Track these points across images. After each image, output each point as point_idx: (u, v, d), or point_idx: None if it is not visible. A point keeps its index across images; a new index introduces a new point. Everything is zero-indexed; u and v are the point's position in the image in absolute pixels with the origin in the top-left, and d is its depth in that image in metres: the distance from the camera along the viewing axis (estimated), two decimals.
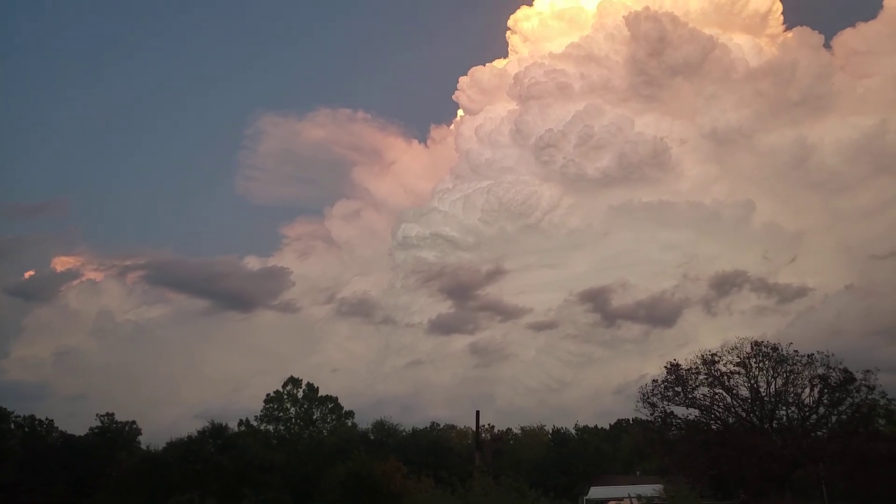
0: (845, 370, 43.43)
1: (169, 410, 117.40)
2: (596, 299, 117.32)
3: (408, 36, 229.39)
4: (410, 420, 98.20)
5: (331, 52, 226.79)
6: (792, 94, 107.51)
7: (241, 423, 79.92)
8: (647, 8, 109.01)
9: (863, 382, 42.79)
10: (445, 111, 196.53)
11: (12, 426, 76.29)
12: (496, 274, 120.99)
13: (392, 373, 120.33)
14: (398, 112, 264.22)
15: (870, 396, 42.99)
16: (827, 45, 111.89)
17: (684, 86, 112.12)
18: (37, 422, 78.41)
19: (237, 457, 61.38)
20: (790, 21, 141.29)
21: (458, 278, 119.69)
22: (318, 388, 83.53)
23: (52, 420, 79.86)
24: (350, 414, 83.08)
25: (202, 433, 64.79)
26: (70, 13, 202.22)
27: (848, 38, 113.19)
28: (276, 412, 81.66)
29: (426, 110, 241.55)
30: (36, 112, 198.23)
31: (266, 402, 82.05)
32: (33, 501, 62.62)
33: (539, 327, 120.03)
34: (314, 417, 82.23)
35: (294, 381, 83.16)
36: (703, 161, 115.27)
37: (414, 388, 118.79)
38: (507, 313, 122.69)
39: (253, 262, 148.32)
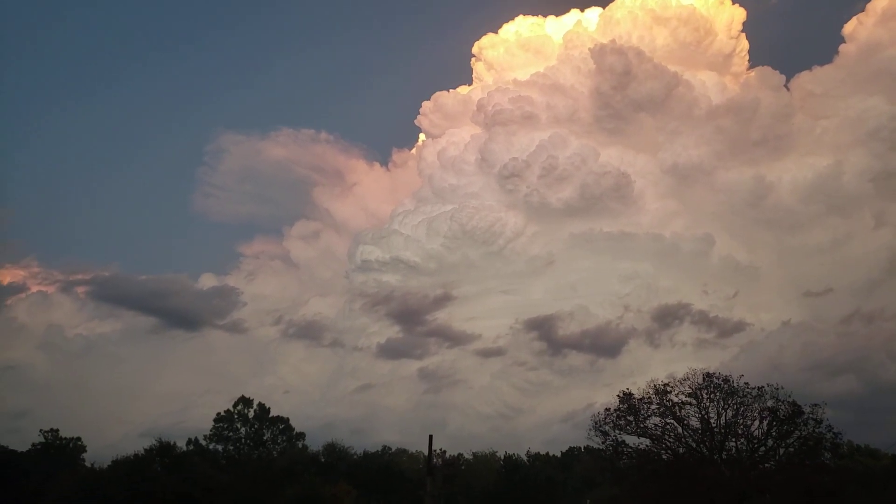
0: (794, 403, 44.32)
1: (115, 428, 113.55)
2: (542, 327, 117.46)
3: (371, 60, 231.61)
4: (361, 444, 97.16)
5: (294, 74, 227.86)
6: (752, 132, 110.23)
7: (189, 441, 78.39)
8: (613, 41, 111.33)
9: (810, 416, 43.70)
10: (407, 135, 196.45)
11: None
12: (445, 299, 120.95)
13: (343, 396, 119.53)
14: (360, 134, 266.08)
15: (817, 430, 43.86)
16: (786, 86, 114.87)
17: (647, 121, 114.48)
18: None
19: (184, 476, 59.77)
20: (753, 61, 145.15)
21: (407, 303, 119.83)
22: (269, 408, 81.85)
23: None
24: (301, 436, 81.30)
25: (149, 451, 63.07)
26: (36, 25, 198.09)
27: (805, 80, 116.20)
28: (226, 432, 79.91)
29: (388, 133, 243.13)
30: None
31: (216, 421, 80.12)
32: None
33: (487, 354, 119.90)
34: (264, 438, 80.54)
35: (245, 401, 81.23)
36: (663, 196, 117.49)
37: (365, 411, 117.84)
38: (455, 339, 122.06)
39: (209, 280, 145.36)
